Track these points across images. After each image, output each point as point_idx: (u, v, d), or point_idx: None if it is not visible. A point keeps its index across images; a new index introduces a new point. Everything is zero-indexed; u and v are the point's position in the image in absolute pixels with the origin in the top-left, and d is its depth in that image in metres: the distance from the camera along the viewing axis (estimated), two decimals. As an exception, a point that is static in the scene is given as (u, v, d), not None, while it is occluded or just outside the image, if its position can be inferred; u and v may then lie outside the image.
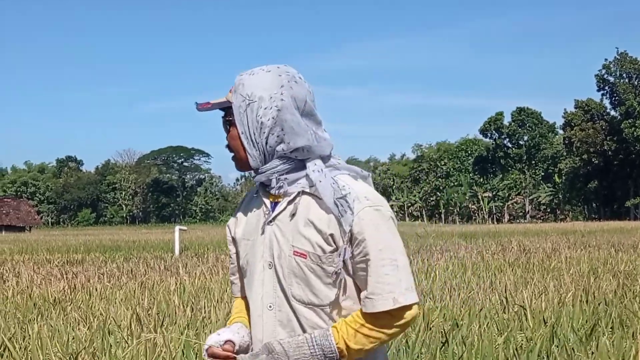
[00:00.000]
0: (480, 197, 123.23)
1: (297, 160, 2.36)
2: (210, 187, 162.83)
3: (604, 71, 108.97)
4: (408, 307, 2.26)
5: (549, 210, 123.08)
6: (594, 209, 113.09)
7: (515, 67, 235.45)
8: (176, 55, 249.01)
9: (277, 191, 2.37)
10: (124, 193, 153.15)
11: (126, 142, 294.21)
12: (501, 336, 7.60)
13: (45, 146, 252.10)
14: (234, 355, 2.39)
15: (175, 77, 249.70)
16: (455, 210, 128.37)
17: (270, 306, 2.38)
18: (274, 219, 2.37)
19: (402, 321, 2.27)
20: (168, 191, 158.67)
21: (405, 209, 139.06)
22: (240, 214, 2.53)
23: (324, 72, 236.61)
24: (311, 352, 2.26)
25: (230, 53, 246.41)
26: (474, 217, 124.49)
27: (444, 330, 7.98)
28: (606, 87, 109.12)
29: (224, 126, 2.44)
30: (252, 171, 2.42)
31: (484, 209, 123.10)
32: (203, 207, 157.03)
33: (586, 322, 8.41)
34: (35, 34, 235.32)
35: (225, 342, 2.43)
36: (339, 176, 2.34)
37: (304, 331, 2.32)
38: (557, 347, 7.13)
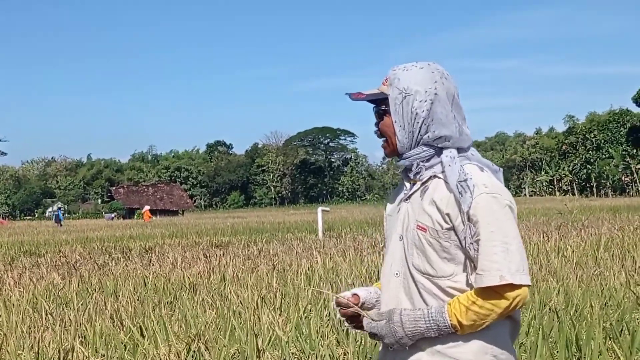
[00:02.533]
0: (634, 169, 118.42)
1: (438, 148, 2.66)
2: (356, 166, 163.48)
3: None
4: (516, 287, 2.48)
5: None
6: None
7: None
8: (319, 37, 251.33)
9: (414, 176, 2.69)
10: (272, 175, 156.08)
11: (272, 125, 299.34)
12: (615, 315, 7.59)
13: (196, 131, 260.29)
14: (355, 304, 2.75)
15: (319, 59, 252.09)
16: (608, 184, 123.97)
17: (397, 274, 2.71)
18: (409, 197, 2.71)
19: (509, 301, 2.48)
20: (315, 172, 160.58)
21: (555, 183, 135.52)
22: (391, 197, 2.88)
23: (472, 44, 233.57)
24: (427, 327, 2.55)
25: (374, 30, 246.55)
26: (627, 190, 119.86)
27: (555, 308, 8.03)
28: None
29: (376, 114, 2.77)
30: (397, 156, 2.76)
31: (638, 181, 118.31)
32: (350, 186, 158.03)
33: None
34: (184, 15, 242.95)
35: (353, 295, 2.82)
36: (467, 165, 2.62)
37: (422, 298, 2.61)
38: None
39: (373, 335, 2.68)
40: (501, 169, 2.75)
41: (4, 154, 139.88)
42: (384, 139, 2.76)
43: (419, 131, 2.65)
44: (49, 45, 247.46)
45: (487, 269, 2.48)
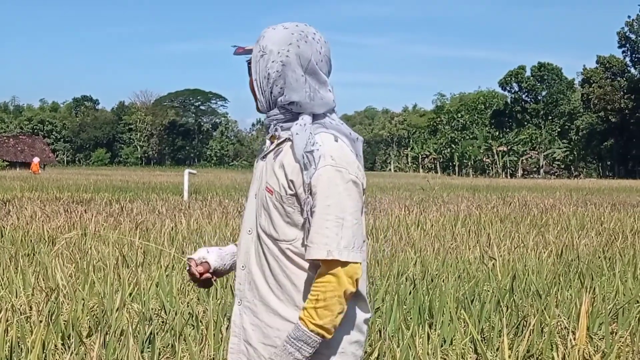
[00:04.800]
0: (495, 151, 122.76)
1: (294, 113, 2.61)
2: (226, 131, 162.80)
3: (626, 29, 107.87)
4: (344, 264, 2.45)
5: (563, 166, 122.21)
6: (608, 167, 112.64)
7: (538, 21, 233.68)
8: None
9: (273, 134, 2.66)
10: (139, 134, 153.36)
11: (142, 84, 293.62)
12: (467, 286, 7.93)
13: (62, 84, 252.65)
14: (202, 273, 2.81)
15: (195, 19, 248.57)
16: (470, 164, 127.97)
17: (249, 231, 2.69)
18: (265, 156, 2.68)
19: (342, 278, 2.45)
20: (184, 134, 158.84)
21: (420, 160, 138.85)
22: (258, 153, 2.82)
23: (346, 19, 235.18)
24: (296, 349, 2.48)
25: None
26: (487, 171, 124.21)
27: (412, 277, 8.32)
28: (627, 45, 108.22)
29: (248, 71, 2.73)
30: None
31: (498, 163, 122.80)
32: (218, 151, 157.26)
33: (553, 276, 8.71)
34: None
35: (202, 262, 2.83)
36: (321, 134, 2.57)
37: (266, 259, 2.60)
38: (518, 298, 7.46)
39: None
40: (361, 138, 2.72)
41: None
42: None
43: (271, 92, 2.63)
44: None
45: (316, 242, 2.47)
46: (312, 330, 2.47)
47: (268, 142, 2.72)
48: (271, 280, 2.60)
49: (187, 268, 2.84)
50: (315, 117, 2.62)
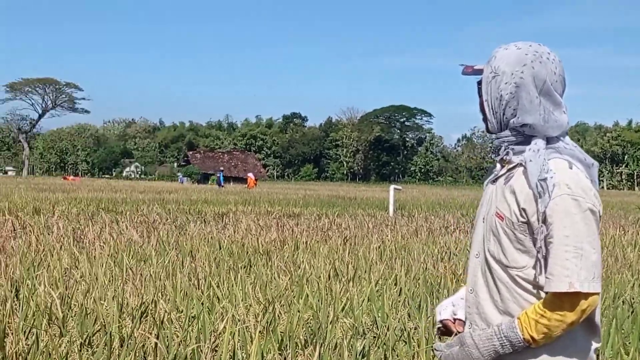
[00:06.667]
0: None
1: (526, 135, 2.57)
2: (430, 147, 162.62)
3: None
4: (584, 296, 2.38)
5: None
6: None
7: None
8: (404, 14, 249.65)
9: (504, 157, 2.64)
10: (345, 150, 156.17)
11: (348, 100, 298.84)
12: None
13: (273, 102, 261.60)
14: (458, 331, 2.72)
15: (402, 34, 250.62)
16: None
17: (477, 254, 2.67)
18: (496, 180, 2.66)
19: (578, 308, 2.38)
20: (389, 150, 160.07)
21: (635, 178, 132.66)
22: (486, 175, 2.82)
23: (552, 30, 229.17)
24: (500, 344, 2.48)
25: (455, 11, 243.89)
26: None
27: (630, 300, 7.99)
28: None
29: (478, 91, 2.72)
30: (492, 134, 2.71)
31: None
32: (423, 167, 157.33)
33: None
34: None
35: (457, 320, 2.77)
36: (555, 160, 2.51)
37: (495, 284, 2.57)
38: None
39: None
40: (596, 163, 2.63)
41: (87, 112, 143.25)
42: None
43: (504, 114, 2.58)
44: (137, 4, 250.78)
45: (557, 274, 2.40)
46: (523, 337, 2.45)
47: (498, 165, 2.69)
48: (500, 305, 2.57)
49: (439, 327, 2.82)
50: (548, 140, 2.57)
